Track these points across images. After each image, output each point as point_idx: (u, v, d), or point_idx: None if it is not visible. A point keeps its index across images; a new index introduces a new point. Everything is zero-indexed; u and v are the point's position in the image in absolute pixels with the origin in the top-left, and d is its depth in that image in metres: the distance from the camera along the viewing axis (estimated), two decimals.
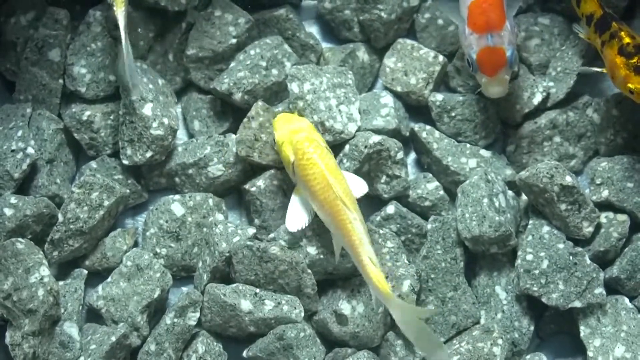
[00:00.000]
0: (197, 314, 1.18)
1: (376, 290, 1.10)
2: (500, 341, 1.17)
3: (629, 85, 1.15)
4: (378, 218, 1.23)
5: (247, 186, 1.25)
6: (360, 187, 1.18)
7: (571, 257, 1.19)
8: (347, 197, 1.13)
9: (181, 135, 1.31)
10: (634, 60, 1.16)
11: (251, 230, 1.21)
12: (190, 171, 1.26)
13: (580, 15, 1.24)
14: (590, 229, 1.21)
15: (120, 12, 1.20)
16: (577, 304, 1.18)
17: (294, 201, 1.18)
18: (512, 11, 1.21)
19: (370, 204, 1.26)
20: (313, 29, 1.35)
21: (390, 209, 1.23)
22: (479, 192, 1.20)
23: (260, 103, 1.24)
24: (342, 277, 1.21)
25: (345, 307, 1.17)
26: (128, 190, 1.25)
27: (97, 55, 1.29)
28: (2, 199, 1.21)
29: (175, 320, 1.17)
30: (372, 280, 1.10)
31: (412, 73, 1.29)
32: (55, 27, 1.29)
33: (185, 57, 1.30)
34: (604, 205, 1.23)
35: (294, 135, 1.16)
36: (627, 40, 1.17)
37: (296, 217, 1.17)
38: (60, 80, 1.29)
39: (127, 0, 1.20)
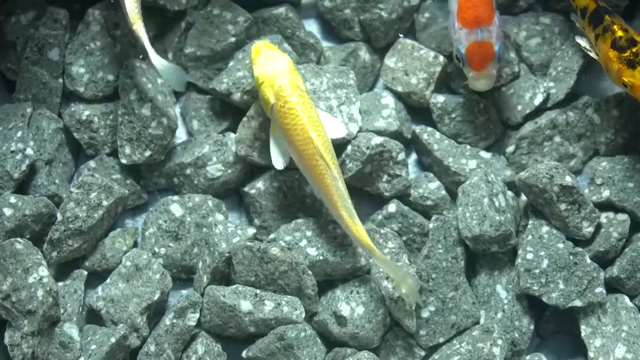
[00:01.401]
0: (197, 315, 1.18)
1: (359, 243, 1.14)
2: (500, 341, 1.17)
3: (623, 78, 1.15)
4: (380, 217, 1.24)
5: (246, 188, 1.25)
6: (337, 129, 1.19)
7: (571, 257, 1.19)
8: (326, 151, 1.14)
9: (180, 134, 1.31)
10: (627, 54, 1.16)
11: (251, 231, 1.21)
12: (188, 171, 1.26)
13: (575, 7, 1.24)
14: (590, 229, 1.21)
15: (138, 27, 1.19)
16: (578, 303, 1.18)
17: (273, 141, 1.19)
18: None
19: (371, 202, 1.26)
20: (313, 28, 1.35)
21: (392, 207, 1.23)
22: (480, 192, 1.20)
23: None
24: (341, 278, 1.21)
25: (344, 309, 1.17)
26: (127, 191, 1.24)
27: (96, 55, 1.28)
28: (1, 198, 1.21)
29: (175, 321, 1.17)
30: (353, 234, 1.13)
31: (412, 73, 1.29)
32: (54, 26, 1.28)
33: (183, 55, 1.29)
34: (605, 205, 1.23)
35: (276, 78, 1.16)
36: (619, 33, 1.17)
37: (280, 156, 1.19)
38: (60, 80, 1.29)
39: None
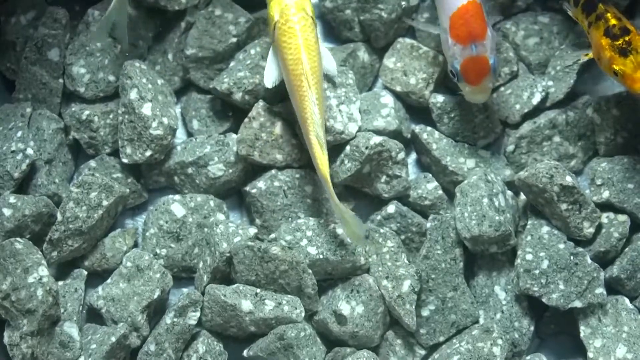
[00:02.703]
0: (198, 314, 1.18)
1: (318, 170, 1.15)
2: (500, 341, 1.17)
3: (614, 66, 1.16)
4: (378, 217, 1.24)
5: (247, 188, 1.25)
6: (331, 65, 1.22)
7: (572, 257, 1.19)
8: (313, 77, 1.15)
9: (180, 135, 1.31)
10: (619, 42, 1.16)
11: (252, 230, 1.21)
12: (189, 170, 1.26)
13: None
14: (591, 230, 1.21)
15: None
16: (578, 304, 1.18)
17: (271, 57, 1.21)
18: (491, 20, 1.22)
19: (370, 203, 1.26)
20: None
21: (391, 208, 1.23)
22: (479, 192, 1.20)
23: (261, 103, 1.24)
24: (342, 277, 1.21)
25: (344, 308, 1.17)
26: (127, 190, 1.25)
27: (96, 55, 1.29)
28: (1, 198, 1.21)
29: (175, 319, 1.17)
30: (316, 161, 1.14)
31: (411, 73, 1.29)
32: (54, 26, 1.28)
33: (184, 57, 1.29)
34: (605, 206, 1.23)
35: None
36: (613, 22, 1.18)
37: (272, 73, 1.21)
38: (60, 80, 1.29)
39: None
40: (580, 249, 1.20)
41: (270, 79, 1.21)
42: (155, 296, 1.19)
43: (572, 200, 1.19)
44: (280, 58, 1.18)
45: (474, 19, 1.18)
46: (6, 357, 1.16)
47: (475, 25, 1.18)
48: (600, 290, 1.19)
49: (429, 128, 1.27)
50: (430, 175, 1.26)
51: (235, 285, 1.18)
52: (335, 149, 1.24)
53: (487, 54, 1.17)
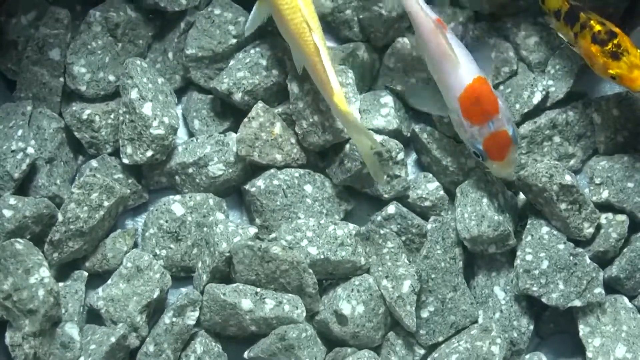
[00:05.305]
0: (196, 314, 1.18)
1: (337, 110, 1.16)
2: (499, 340, 1.17)
3: (610, 71, 1.16)
4: (379, 218, 1.23)
5: (247, 187, 1.25)
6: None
7: (571, 258, 1.19)
8: (313, 20, 1.16)
9: (181, 134, 1.31)
10: (609, 47, 1.16)
11: (252, 230, 1.21)
12: (190, 170, 1.26)
13: (547, 11, 1.25)
14: (591, 230, 1.21)
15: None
16: (577, 303, 1.18)
17: (256, 10, 1.23)
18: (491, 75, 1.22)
19: (370, 204, 1.26)
20: None
21: (391, 209, 1.23)
22: (478, 192, 1.21)
23: (260, 104, 1.24)
24: (343, 277, 1.21)
25: (345, 307, 1.18)
26: (128, 191, 1.25)
27: (98, 54, 1.29)
28: (1, 200, 1.21)
29: (174, 319, 1.17)
30: (332, 100, 1.15)
31: (411, 73, 1.29)
32: (56, 26, 1.28)
33: (184, 56, 1.29)
34: (604, 206, 1.23)
35: None
36: (597, 28, 1.18)
37: (254, 23, 1.25)
38: (61, 79, 1.29)
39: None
40: (580, 249, 1.20)
41: (251, 28, 1.25)
42: (155, 296, 1.19)
43: (572, 199, 1.19)
44: (274, 12, 1.18)
45: (484, 96, 1.15)
46: (7, 357, 1.16)
47: (487, 102, 1.15)
48: (599, 290, 1.19)
49: (429, 128, 1.27)
50: (431, 175, 1.26)
51: (235, 284, 1.18)
52: (335, 148, 1.24)
53: (506, 126, 1.15)
